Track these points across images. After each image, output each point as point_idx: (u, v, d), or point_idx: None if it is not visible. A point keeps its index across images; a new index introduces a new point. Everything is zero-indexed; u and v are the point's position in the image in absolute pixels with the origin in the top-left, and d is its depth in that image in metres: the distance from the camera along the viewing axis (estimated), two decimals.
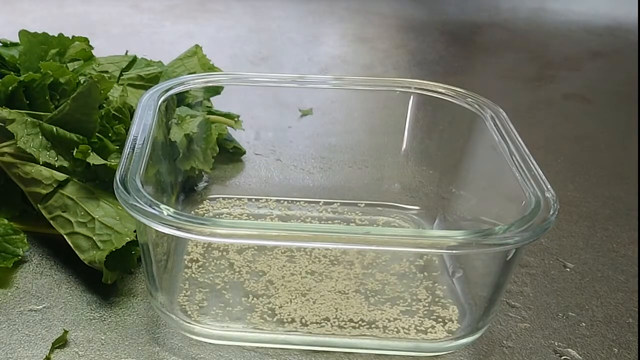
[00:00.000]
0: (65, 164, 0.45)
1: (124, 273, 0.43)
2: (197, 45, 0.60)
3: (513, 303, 0.44)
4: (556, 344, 0.41)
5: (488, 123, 0.44)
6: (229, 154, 0.58)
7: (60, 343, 0.39)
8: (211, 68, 0.59)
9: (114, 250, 0.41)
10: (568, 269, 0.48)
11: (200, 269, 0.44)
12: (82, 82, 0.48)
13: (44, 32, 0.53)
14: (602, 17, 1.03)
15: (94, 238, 0.42)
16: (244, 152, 0.58)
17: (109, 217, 0.43)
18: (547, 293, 0.45)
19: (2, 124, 0.45)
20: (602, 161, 0.63)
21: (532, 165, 0.40)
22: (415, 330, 0.40)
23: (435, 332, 0.40)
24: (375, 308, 0.42)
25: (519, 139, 0.42)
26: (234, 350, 0.39)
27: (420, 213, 0.51)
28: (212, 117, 0.55)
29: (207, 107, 0.56)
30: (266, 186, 0.54)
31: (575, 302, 0.45)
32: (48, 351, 0.38)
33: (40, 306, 0.41)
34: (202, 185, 0.53)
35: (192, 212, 0.50)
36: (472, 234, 0.34)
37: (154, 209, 0.35)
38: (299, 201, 0.52)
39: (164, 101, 0.46)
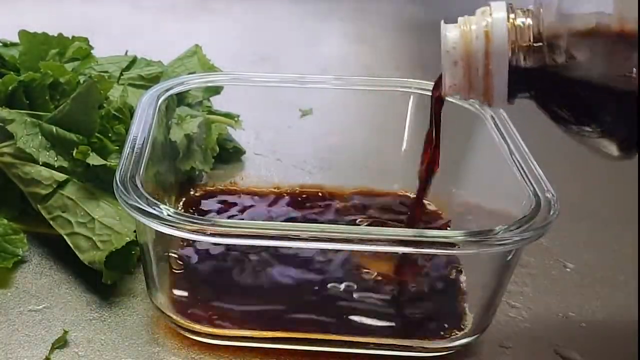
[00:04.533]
0: (65, 164, 0.45)
1: (124, 273, 0.43)
2: (197, 45, 0.60)
3: (513, 303, 0.44)
4: (556, 344, 0.41)
5: (488, 123, 0.44)
6: (229, 154, 0.57)
7: (60, 343, 0.39)
8: (211, 68, 0.59)
9: (113, 250, 0.41)
10: (568, 269, 0.48)
11: None
12: (82, 82, 0.48)
13: (44, 32, 0.53)
14: None
15: (94, 238, 0.42)
16: (244, 152, 0.58)
17: (109, 217, 0.43)
18: (547, 293, 0.45)
19: (2, 124, 0.45)
20: (602, 161, 0.63)
21: (532, 165, 0.40)
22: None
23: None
24: None
25: (519, 138, 0.42)
26: (234, 351, 0.39)
27: None
28: (212, 117, 0.55)
29: (207, 107, 0.56)
30: (266, 186, 0.54)
31: (575, 302, 0.45)
32: (48, 351, 0.38)
33: (40, 306, 0.41)
34: (202, 185, 0.53)
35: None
36: (472, 234, 0.34)
37: (153, 209, 0.35)
38: None
39: (164, 101, 0.46)
